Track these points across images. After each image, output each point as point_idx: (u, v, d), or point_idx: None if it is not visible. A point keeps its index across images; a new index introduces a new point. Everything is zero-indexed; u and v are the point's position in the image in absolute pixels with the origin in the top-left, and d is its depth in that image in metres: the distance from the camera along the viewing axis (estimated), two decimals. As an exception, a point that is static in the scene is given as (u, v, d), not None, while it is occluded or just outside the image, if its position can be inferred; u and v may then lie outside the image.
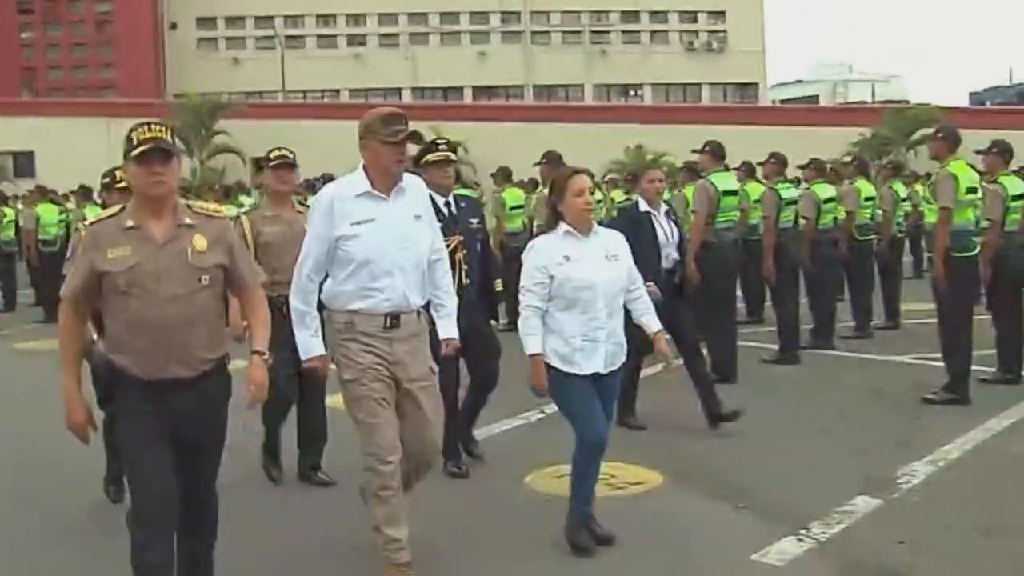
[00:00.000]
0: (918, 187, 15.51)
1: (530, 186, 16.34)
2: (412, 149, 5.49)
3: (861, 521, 5.81)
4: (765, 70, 74.40)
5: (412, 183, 5.11)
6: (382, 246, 4.87)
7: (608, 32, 73.44)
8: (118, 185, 6.14)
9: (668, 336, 5.93)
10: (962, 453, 7.12)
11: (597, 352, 5.25)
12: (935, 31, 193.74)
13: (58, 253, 14.91)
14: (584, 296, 5.20)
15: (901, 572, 5.09)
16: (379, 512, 4.87)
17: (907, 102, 66.63)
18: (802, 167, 12.60)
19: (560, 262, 5.22)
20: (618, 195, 16.28)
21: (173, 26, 72.19)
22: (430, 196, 6.00)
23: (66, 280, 4.29)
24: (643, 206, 8.10)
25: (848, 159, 15.76)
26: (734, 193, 10.78)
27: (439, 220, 6.13)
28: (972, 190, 8.86)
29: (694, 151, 11.26)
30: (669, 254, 8.05)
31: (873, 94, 76.28)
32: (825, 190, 11.86)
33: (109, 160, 7.55)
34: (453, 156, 6.78)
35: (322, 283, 5.01)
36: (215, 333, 4.26)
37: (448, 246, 5.92)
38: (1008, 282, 9.29)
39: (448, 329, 5.33)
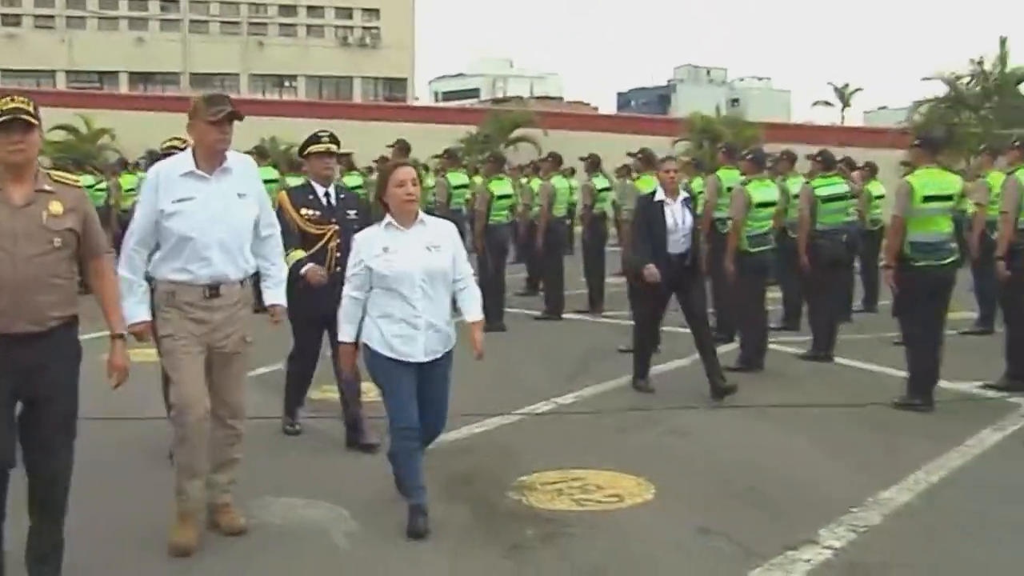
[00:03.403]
0: (523, 180, 17.05)
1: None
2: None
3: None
4: (414, 66, 78.81)
5: (240, 162, 5.25)
6: (201, 223, 4.99)
7: (266, 24, 75.58)
8: None
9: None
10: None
11: (416, 341, 5.34)
12: (593, 29, 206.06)
13: None
14: (399, 286, 5.31)
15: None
16: (180, 461, 5.09)
17: (561, 98, 72.00)
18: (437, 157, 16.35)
19: (378, 254, 5.33)
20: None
21: None
22: (310, 185, 6.79)
23: None
24: (659, 195, 8.71)
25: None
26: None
27: (318, 210, 6.77)
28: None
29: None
30: (678, 240, 8.62)
31: (532, 90, 77.83)
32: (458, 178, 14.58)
33: None
34: (335, 148, 6.93)
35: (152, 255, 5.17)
36: (66, 294, 4.36)
37: (323, 235, 6.59)
38: (554, 251, 13.53)
39: (274, 296, 5.45)
